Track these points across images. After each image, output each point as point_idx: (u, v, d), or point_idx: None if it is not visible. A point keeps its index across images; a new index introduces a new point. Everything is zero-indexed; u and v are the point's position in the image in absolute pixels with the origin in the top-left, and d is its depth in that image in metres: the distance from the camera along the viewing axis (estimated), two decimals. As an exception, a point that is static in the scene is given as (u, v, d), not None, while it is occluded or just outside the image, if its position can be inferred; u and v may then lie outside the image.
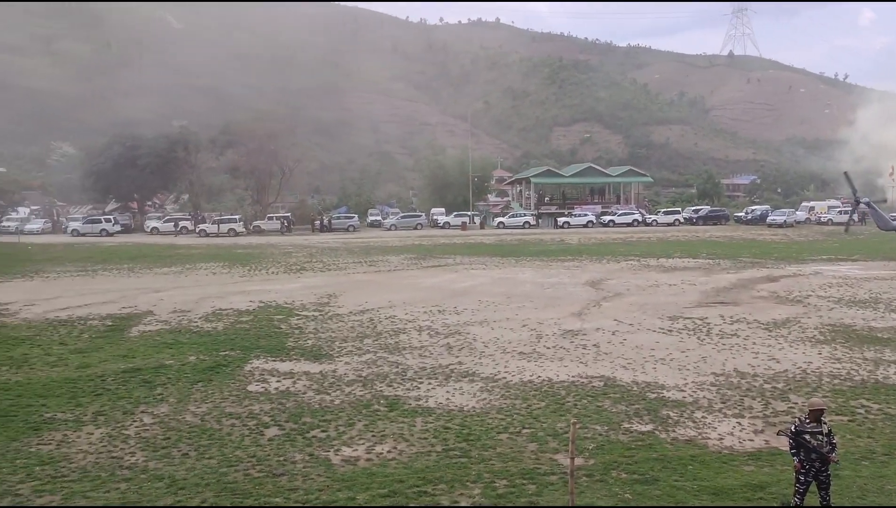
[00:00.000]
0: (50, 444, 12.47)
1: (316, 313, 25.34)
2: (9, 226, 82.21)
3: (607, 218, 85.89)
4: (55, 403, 14.89)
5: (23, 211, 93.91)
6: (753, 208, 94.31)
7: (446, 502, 9.96)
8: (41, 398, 15.31)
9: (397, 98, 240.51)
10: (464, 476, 10.82)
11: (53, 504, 10.04)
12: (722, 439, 12.51)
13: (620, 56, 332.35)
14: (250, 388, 15.86)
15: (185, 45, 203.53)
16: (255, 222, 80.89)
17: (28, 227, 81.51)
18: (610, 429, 12.95)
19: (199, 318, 24.65)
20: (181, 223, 79.04)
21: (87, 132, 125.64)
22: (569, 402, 14.64)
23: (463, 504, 9.90)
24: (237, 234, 74.56)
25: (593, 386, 15.77)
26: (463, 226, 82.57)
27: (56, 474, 11.10)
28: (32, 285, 34.61)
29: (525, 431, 12.90)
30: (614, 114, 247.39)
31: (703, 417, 13.65)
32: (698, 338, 20.67)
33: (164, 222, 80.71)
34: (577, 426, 10.26)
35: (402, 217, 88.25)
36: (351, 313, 25.46)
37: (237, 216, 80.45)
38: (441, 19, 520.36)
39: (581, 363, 17.93)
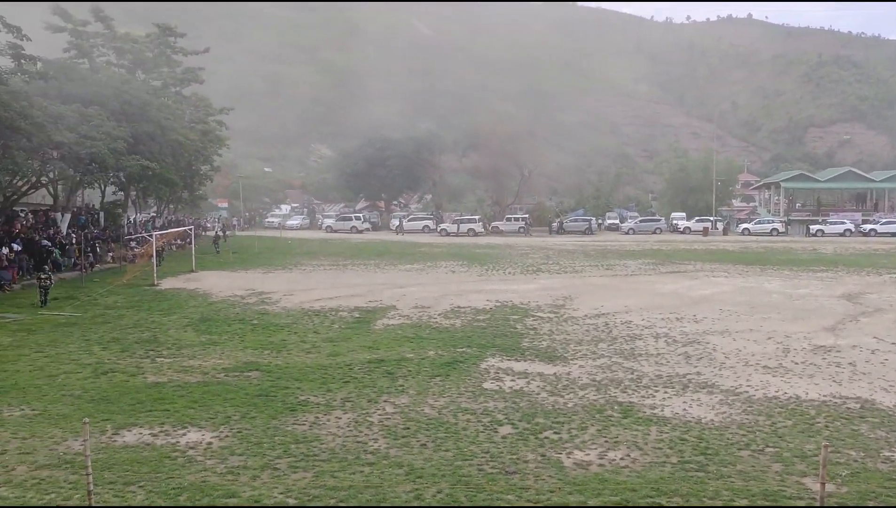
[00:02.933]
0: (304, 424, 13.50)
1: (551, 315, 25.47)
2: (273, 222, 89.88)
3: (868, 227, 79.01)
4: (309, 387, 16.09)
5: (285, 208, 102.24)
6: None
7: (680, 516, 9.63)
8: (297, 381, 16.61)
9: (639, 99, 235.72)
10: (700, 491, 10.43)
11: (302, 481, 10.84)
12: None
13: (890, 50, 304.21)
14: (485, 385, 16.24)
15: (432, 50, 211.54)
16: (494, 223, 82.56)
17: (289, 223, 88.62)
18: (867, 456, 11.93)
19: (439, 314, 25.59)
20: (400, 222, 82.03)
21: (343, 135, 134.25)
22: (819, 423, 13.65)
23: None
24: (476, 234, 76.49)
25: (848, 408, 14.60)
26: (704, 231, 79.41)
27: (309, 452, 11.99)
28: (292, 277, 37.62)
29: (769, 450, 12.20)
30: (880, 113, 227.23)
31: (978, 452, 12.22)
32: (975, 363, 18.51)
33: (410, 220, 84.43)
34: (829, 449, 9.54)
35: (641, 221, 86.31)
36: (586, 316, 25.33)
37: (476, 217, 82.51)
38: (688, 17, 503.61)
39: (834, 381, 16.66)
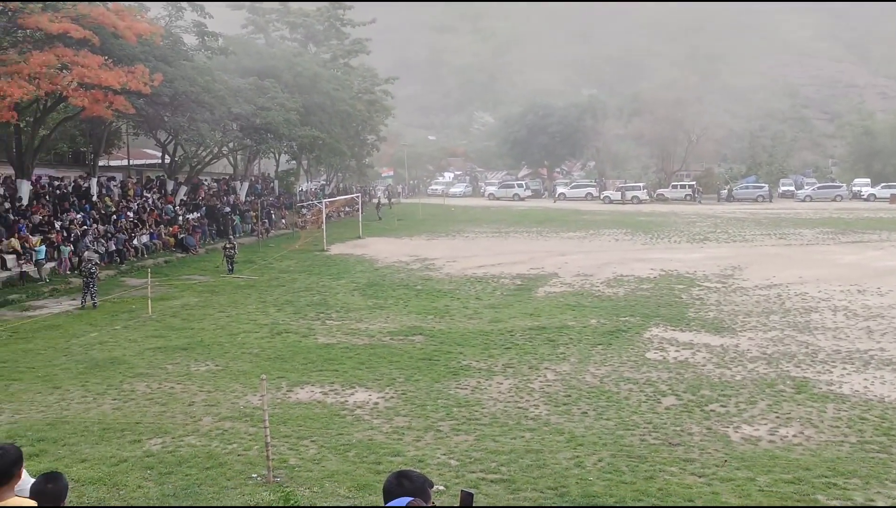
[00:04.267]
0: (466, 389, 13.75)
1: (719, 285, 24.59)
2: (436, 189, 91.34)
3: None
4: (471, 352, 16.36)
5: (448, 176, 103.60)
6: None
7: (860, 499, 9.12)
8: (459, 346, 16.92)
9: (819, 58, 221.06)
10: (882, 474, 9.83)
11: (464, 443, 11.05)
12: None
13: None
14: (648, 355, 15.94)
15: (594, 15, 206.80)
16: (659, 190, 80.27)
17: (452, 190, 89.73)
18: None
19: (601, 283, 25.28)
20: (559, 190, 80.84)
21: (505, 103, 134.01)
22: None
23: (880, 505, 9.00)
24: (640, 201, 74.69)
25: None
26: (892, 199, 73.86)
27: (470, 416, 12.22)
28: (454, 244, 38.20)
29: (960, 434, 11.33)
30: None
31: None
32: None
33: (572, 188, 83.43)
34: None
35: (819, 188, 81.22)
36: (756, 286, 24.29)
37: (641, 184, 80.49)
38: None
39: None
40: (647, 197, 76.64)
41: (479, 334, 18.14)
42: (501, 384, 14.03)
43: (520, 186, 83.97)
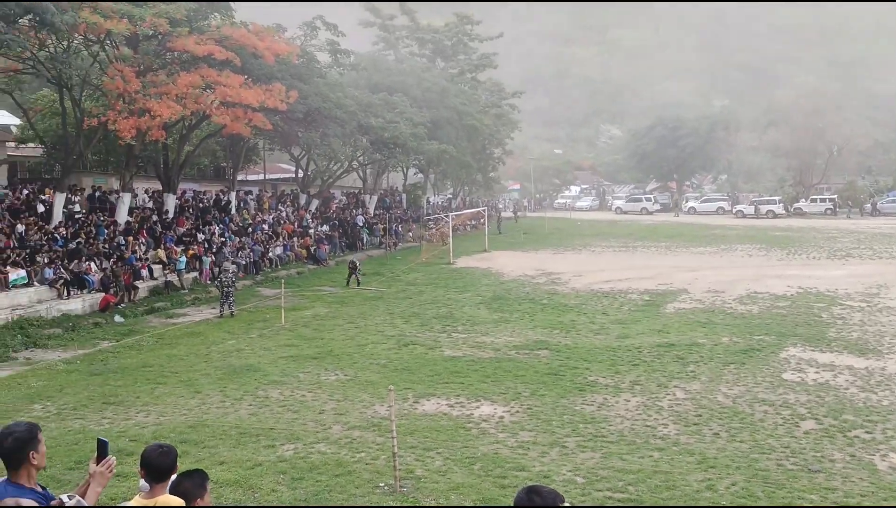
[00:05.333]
0: (592, 405, 13.56)
1: (862, 304, 23.31)
2: (562, 203, 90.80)
3: None
4: (597, 368, 16.13)
5: (574, 189, 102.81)
6: None
7: None
8: (585, 361, 16.71)
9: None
10: None
11: (590, 460, 10.89)
12: None
13: None
14: (785, 376, 15.28)
15: (726, 22, 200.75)
16: (796, 204, 76.99)
17: (578, 204, 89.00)
18: None
19: (733, 300, 24.43)
20: (688, 204, 78.45)
21: (633, 115, 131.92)
22: None
23: None
24: (776, 216, 71.84)
25: None
26: None
27: (597, 433, 12.04)
28: (580, 258, 37.84)
29: None
30: None
31: None
32: None
33: (702, 202, 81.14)
34: None
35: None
36: (904, 307, 22.90)
37: (777, 198, 77.42)
38: None
39: None
40: (784, 211, 73.64)
41: (605, 349, 17.87)
42: (629, 401, 13.77)
43: (648, 199, 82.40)
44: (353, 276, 29.41)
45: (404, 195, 59.46)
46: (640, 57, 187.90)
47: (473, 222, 56.30)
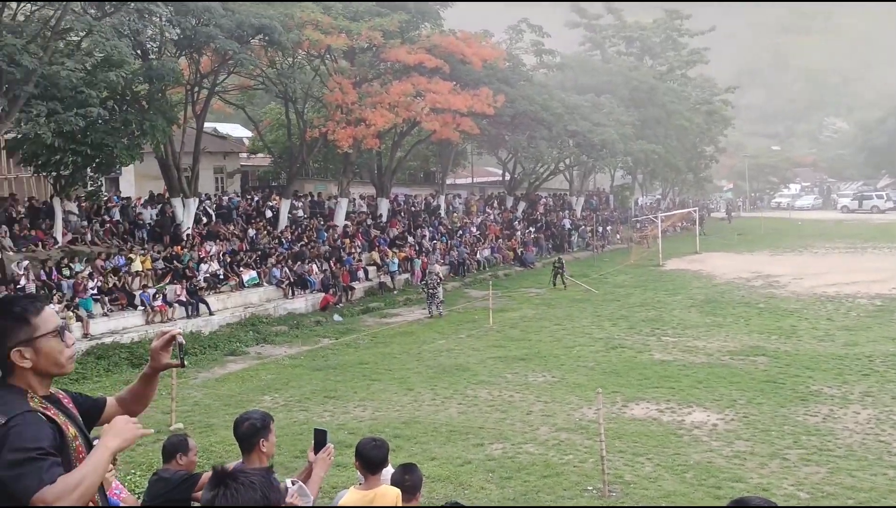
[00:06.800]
0: (816, 416, 12.70)
1: None
2: (780, 202, 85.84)
3: None
4: (821, 377, 15.09)
5: (794, 187, 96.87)
6: None
7: None
8: (808, 369, 15.69)
9: None
10: None
11: (814, 475, 10.19)
12: None
13: None
14: None
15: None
16: None
17: (798, 203, 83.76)
18: None
19: (983, 306, 22.05)
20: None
21: (861, 107, 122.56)
22: None
23: None
24: None
25: None
26: None
27: (822, 446, 11.26)
28: (801, 260, 35.57)
29: None
30: None
31: None
32: None
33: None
34: None
35: None
36: None
37: None
38: None
39: None
40: None
41: (831, 357, 16.68)
42: (858, 413, 12.76)
43: (879, 196, 76.04)
44: (559, 276, 29.27)
45: (612, 196, 58.50)
46: (868, 44, 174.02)
47: (684, 223, 54.44)
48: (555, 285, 29.14)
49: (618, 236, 47.42)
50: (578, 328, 21.32)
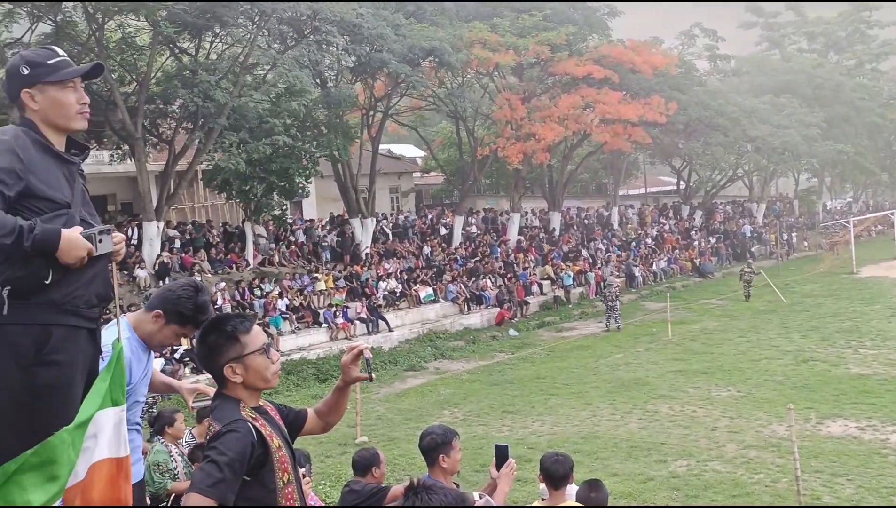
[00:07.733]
0: None
1: None
2: None
3: None
4: None
5: None
6: None
7: None
8: None
9: None
10: None
11: None
12: None
13: None
14: None
15: None
16: None
17: None
18: None
19: None
20: None
21: None
22: None
23: None
24: None
25: None
26: None
27: None
28: None
29: None
30: None
31: None
32: None
33: None
34: None
35: None
36: None
37: None
38: None
39: None
40: None
41: None
42: None
43: None
44: (748, 285, 27.51)
45: (796, 201, 55.40)
46: None
47: (880, 227, 50.66)
48: (748, 296, 27.47)
49: (805, 243, 44.84)
50: (764, 340, 20.27)
